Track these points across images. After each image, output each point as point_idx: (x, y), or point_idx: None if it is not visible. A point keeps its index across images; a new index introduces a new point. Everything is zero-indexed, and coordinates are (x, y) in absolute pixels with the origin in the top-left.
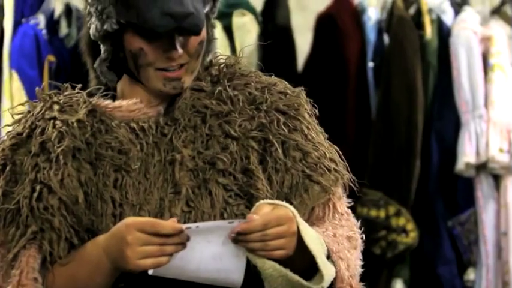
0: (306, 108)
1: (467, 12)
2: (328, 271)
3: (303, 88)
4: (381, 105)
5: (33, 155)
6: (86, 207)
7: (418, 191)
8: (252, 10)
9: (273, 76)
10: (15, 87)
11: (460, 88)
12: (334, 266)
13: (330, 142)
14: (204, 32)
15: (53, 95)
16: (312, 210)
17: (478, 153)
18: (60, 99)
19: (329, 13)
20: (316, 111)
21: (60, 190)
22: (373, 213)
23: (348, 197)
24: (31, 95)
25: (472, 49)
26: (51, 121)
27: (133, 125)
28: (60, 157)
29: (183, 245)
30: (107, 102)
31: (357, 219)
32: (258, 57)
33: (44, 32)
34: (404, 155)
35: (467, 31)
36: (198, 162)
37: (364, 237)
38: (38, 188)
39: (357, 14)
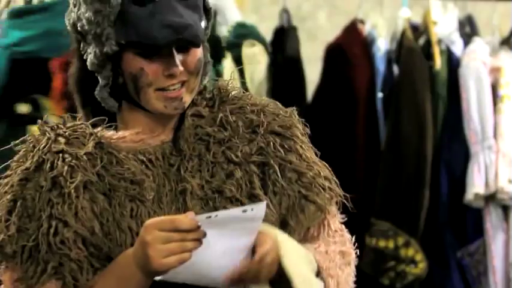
0: (298, 128)
1: (477, 43)
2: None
3: (295, 108)
4: (390, 136)
5: (46, 190)
6: (104, 237)
7: (427, 221)
8: (261, 40)
9: (264, 97)
10: None
11: (469, 119)
12: (324, 282)
13: (320, 159)
14: (201, 50)
15: (56, 126)
16: (307, 230)
17: (487, 184)
18: (65, 132)
19: (339, 43)
20: (308, 130)
21: (75, 224)
22: (381, 243)
23: (358, 227)
24: None
25: (482, 80)
26: (60, 154)
27: (142, 157)
28: (72, 191)
29: (199, 241)
30: (111, 133)
31: (366, 250)
32: (268, 88)
33: None
34: (413, 185)
35: (477, 62)
36: (206, 191)
37: (372, 267)
38: (54, 223)
39: (367, 45)
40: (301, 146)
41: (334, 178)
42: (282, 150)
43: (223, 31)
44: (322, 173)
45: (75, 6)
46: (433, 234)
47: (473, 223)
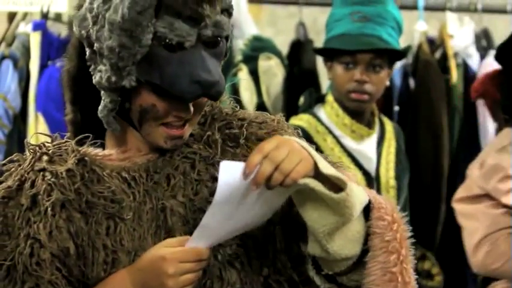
0: (286, 131)
1: (493, 56)
2: (351, 185)
3: (282, 114)
4: (407, 149)
5: (26, 209)
6: (77, 258)
7: (443, 235)
8: (277, 54)
9: (256, 111)
10: (41, 130)
11: (485, 132)
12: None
13: None
14: None
15: (42, 145)
16: None
17: None
18: (49, 150)
19: None
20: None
21: (49, 244)
22: None
23: None
24: None
25: None
26: (41, 173)
27: (125, 175)
28: (49, 209)
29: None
30: (97, 150)
31: None
32: (284, 101)
33: None
34: (429, 199)
35: None
36: (188, 208)
37: None
38: (29, 243)
39: None
40: None
41: None
42: None
43: (240, 44)
44: None
45: (94, 24)
46: (450, 247)
47: None
